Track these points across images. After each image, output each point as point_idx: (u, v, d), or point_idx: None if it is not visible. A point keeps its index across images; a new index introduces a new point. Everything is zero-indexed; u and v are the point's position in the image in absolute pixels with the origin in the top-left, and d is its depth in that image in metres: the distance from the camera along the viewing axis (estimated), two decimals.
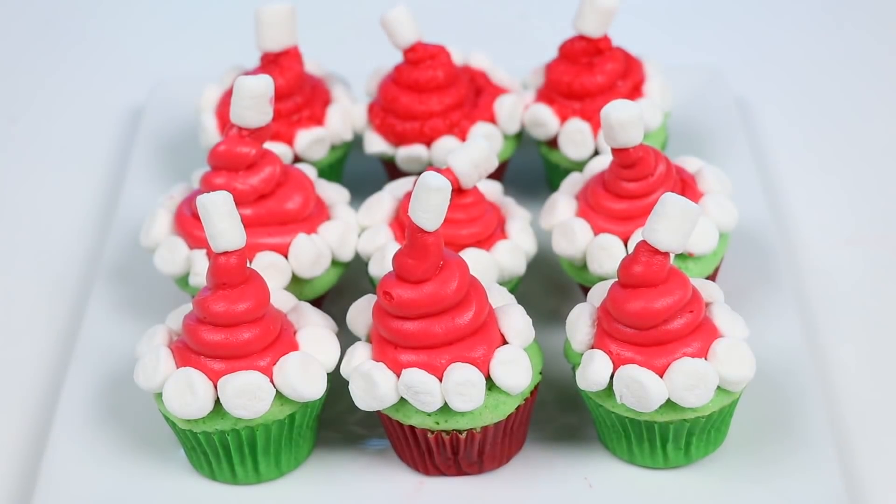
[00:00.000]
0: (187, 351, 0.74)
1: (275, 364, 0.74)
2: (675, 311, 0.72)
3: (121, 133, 1.13)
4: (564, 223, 0.83)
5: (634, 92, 0.94)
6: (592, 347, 0.74)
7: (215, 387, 0.73)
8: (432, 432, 0.75)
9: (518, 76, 1.00)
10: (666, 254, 0.70)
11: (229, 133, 0.81)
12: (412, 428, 0.75)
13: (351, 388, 0.74)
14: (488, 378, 0.73)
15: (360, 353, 0.75)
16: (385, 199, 0.87)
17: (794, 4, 1.30)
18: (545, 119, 0.94)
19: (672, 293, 0.71)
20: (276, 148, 0.91)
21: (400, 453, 0.79)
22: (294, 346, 0.75)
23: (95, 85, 1.21)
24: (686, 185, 0.84)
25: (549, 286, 0.92)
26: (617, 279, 0.73)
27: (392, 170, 0.98)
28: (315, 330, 0.76)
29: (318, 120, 0.96)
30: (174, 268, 0.83)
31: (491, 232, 0.84)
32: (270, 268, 0.81)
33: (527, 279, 0.89)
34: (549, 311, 0.89)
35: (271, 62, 0.94)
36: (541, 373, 0.76)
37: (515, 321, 0.74)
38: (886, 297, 0.93)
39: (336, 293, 0.89)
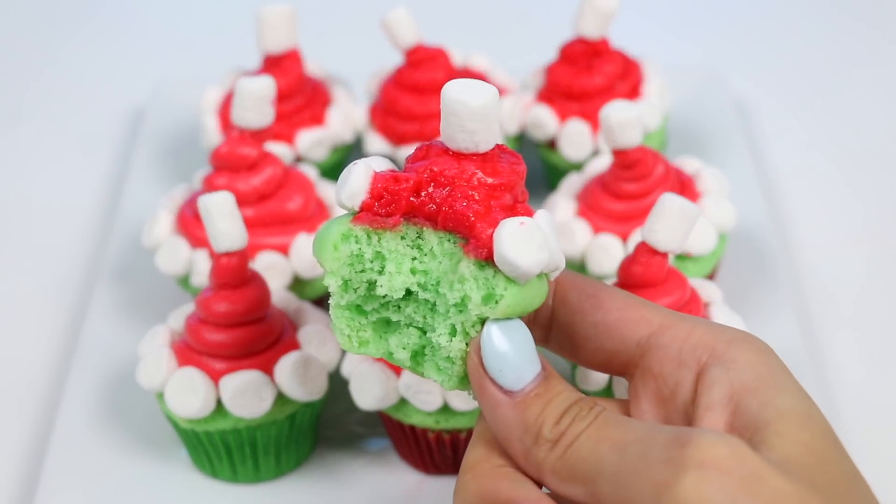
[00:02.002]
0: (189, 350, 0.75)
1: (276, 364, 0.74)
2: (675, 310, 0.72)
3: (122, 134, 1.13)
4: (564, 223, 0.84)
5: (633, 93, 0.95)
6: None
7: (217, 386, 0.73)
8: (432, 431, 0.75)
9: (518, 77, 1.01)
10: (665, 254, 0.70)
11: (231, 134, 0.82)
12: (412, 427, 0.75)
13: (351, 387, 0.74)
14: None
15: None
16: None
17: (793, 5, 1.30)
18: (545, 120, 0.94)
19: (671, 293, 0.72)
20: (278, 149, 0.92)
21: (400, 452, 0.79)
22: (295, 346, 0.76)
23: (97, 86, 1.22)
24: (685, 186, 0.84)
25: None
26: (616, 279, 0.73)
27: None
28: (316, 330, 0.76)
29: (318, 121, 0.96)
30: (176, 268, 0.83)
31: None
32: (272, 268, 0.81)
33: None
34: None
35: (272, 64, 0.94)
36: None
37: None
38: (885, 297, 0.94)
39: None
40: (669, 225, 0.69)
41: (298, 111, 0.95)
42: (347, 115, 0.97)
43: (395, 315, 0.58)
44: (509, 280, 0.53)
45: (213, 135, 0.95)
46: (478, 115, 0.54)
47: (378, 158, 0.59)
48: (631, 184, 0.82)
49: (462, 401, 0.72)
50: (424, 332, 0.58)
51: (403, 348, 0.58)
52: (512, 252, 0.52)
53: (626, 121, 0.78)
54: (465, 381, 0.56)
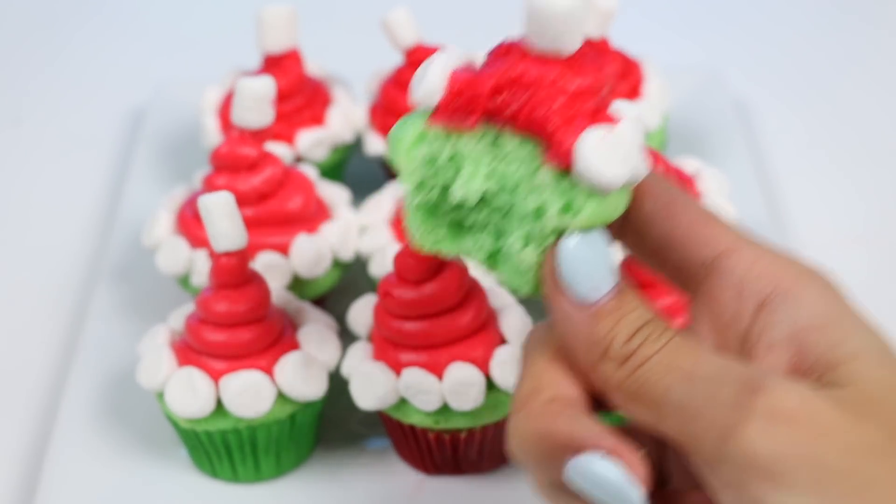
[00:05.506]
0: (189, 350, 0.75)
1: (276, 363, 0.74)
2: (674, 309, 0.72)
3: (123, 134, 1.13)
4: None
5: (633, 93, 0.95)
6: None
7: (217, 386, 0.73)
8: (432, 431, 0.75)
9: None
10: None
11: (231, 134, 0.82)
12: (412, 427, 0.75)
13: (351, 387, 0.74)
14: (488, 378, 0.73)
15: (361, 353, 0.75)
16: (385, 200, 0.87)
17: (793, 5, 1.30)
18: None
19: (671, 292, 0.72)
20: (278, 149, 0.92)
21: (400, 452, 0.79)
22: (295, 346, 0.76)
23: (98, 87, 1.22)
24: (685, 186, 0.84)
25: None
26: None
27: (392, 171, 0.98)
28: (316, 329, 0.76)
29: (318, 121, 0.96)
30: (176, 268, 0.83)
31: None
32: (272, 268, 0.82)
33: None
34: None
35: (272, 64, 0.94)
36: None
37: (515, 321, 0.75)
38: (885, 297, 0.93)
39: (337, 293, 0.89)
40: None
41: (298, 111, 0.95)
42: (347, 115, 0.97)
43: (469, 218, 0.56)
44: (590, 192, 0.51)
45: (213, 135, 0.96)
46: (563, 18, 0.51)
47: (454, 54, 0.56)
48: None
49: (462, 401, 0.72)
50: (498, 237, 0.55)
51: (479, 250, 0.56)
52: (594, 165, 0.50)
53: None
54: (537, 288, 0.54)
